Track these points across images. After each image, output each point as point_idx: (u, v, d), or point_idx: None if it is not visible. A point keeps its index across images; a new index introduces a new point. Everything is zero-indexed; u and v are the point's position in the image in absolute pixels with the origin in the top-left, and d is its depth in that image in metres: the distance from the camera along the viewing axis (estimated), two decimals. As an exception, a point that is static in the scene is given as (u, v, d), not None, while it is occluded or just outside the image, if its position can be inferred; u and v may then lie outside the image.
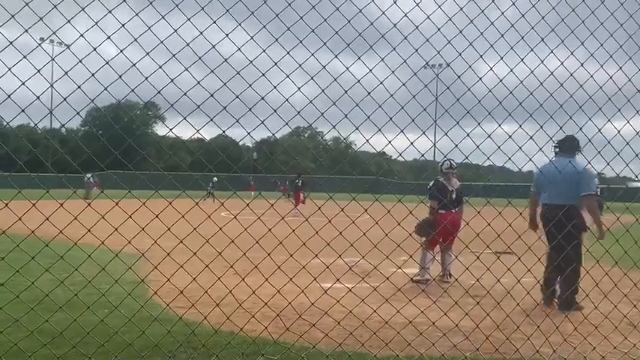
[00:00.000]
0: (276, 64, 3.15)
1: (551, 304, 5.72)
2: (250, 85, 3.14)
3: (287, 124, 3.42)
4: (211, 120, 3.22)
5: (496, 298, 4.19)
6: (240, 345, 3.66)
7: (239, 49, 3.08)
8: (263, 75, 3.15)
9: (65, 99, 2.98)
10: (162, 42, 2.99)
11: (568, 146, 6.12)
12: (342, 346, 3.62)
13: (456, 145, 3.51)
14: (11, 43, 2.88)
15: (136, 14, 2.95)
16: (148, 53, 3.04)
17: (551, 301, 5.82)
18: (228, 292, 3.51)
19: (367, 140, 3.43)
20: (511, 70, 3.41)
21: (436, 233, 7.13)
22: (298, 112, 3.37)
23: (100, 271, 3.31)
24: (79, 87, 2.95)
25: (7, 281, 3.47)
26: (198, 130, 3.17)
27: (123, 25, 2.94)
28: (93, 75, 2.96)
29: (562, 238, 4.69)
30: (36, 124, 3.36)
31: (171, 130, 3.22)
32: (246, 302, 4.12)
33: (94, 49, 2.97)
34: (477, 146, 3.44)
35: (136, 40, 2.98)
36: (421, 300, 4.47)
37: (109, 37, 2.98)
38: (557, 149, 6.21)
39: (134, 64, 3.04)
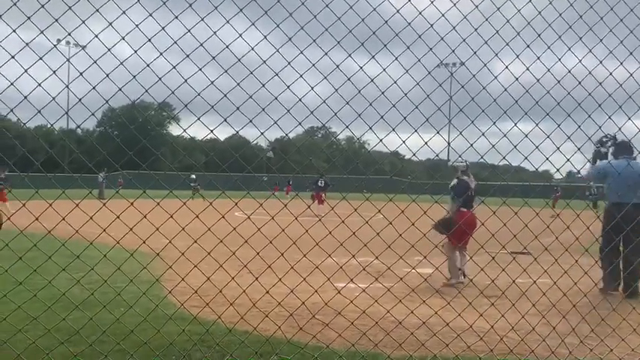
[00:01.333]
0: (289, 63, 3.15)
1: (615, 290, 6.23)
2: (263, 85, 3.14)
3: (300, 124, 3.42)
4: (224, 120, 3.23)
5: (512, 298, 4.14)
6: (254, 344, 3.67)
7: (252, 48, 3.08)
8: (276, 75, 3.15)
9: (80, 100, 3.00)
10: (175, 42, 3.00)
11: (624, 148, 6.58)
12: (355, 346, 3.60)
13: (471, 145, 3.47)
14: (27, 44, 2.91)
15: (150, 14, 2.96)
16: (161, 54, 3.06)
17: (615, 288, 6.34)
18: (242, 292, 3.52)
19: (380, 140, 3.42)
20: (527, 69, 3.36)
21: (456, 231, 7.06)
22: (311, 112, 3.36)
23: (116, 271, 3.34)
24: (93, 87, 2.98)
25: (25, 280, 3.52)
26: (212, 131, 3.18)
27: (137, 26, 2.95)
28: (107, 76, 2.98)
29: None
30: (52, 125, 3.40)
31: (185, 130, 3.25)
32: (260, 301, 4.12)
33: (108, 50, 2.99)
34: (492, 145, 3.40)
35: (149, 40, 2.99)
36: (435, 300, 4.44)
37: (122, 38, 3.00)
38: (613, 152, 6.68)
39: (148, 65, 3.05)
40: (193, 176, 32.71)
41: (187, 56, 3.08)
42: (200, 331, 3.77)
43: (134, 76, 3.04)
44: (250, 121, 3.23)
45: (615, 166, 6.35)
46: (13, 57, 2.86)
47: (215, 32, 3.02)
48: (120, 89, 3.05)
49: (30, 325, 3.26)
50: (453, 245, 7.35)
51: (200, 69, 3.12)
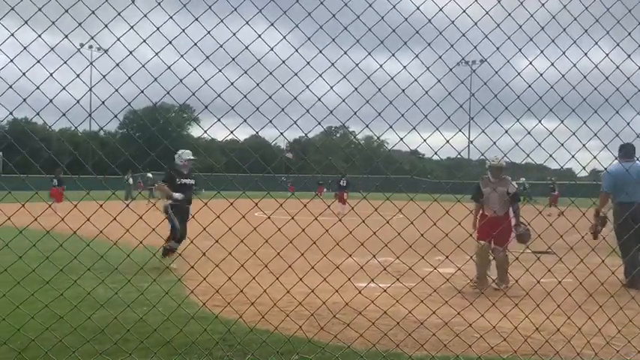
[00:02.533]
0: (308, 63, 3.15)
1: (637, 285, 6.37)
2: (283, 86, 3.15)
3: (319, 123, 3.42)
4: (245, 121, 3.24)
5: (536, 299, 4.07)
6: (275, 343, 3.68)
7: (271, 49, 3.09)
8: (295, 75, 3.15)
9: (103, 102, 3.05)
10: (195, 44, 3.03)
11: (628, 151, 6.77)
12: (376, 347, 3.59)
13: (494, 143, 3.43)
14: (52, 49, 2.97)
15: (170, 17, 2.99)
16: (182, 56, 3.09)
17: (636, 281, 6.47)
18: (262, 292, 3.54)
19: (401, 139, 3.39)
20: (552, 64, 3.29)
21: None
22: (331, 112, 3.36)
23: (139, 270, 3.39)
24: (116, 90, 3.02)
25: (52, 279, 3.60)
26: (232, 132, 3.20)
27: (158, 29, 2.99)
28: (129, 78, 3.03)
29: None
30: (76, 127, 3.46)
31: (205, 131, 3.26)
32: (281, 301, 4.14)
33: (130, 53, 3.03)
34: (516, 143, 3.35)
35: (170, 42, 3.03)
36: (457, 300, 4.39)
37: (144, 41, 3.04)
38: (621, 155, 6.77)
39: (169, 67, 3.09)
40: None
41: (207, 57, 3.10)
42: (222, 330, 3.80)
43: (155, 79, 3.08)
44: (270, 121, 3.24)
45: (618, 170, 6.53)
46: (38, 61, 2.93)
47: (234, 33, 3.04)
48: (142, 91, 3.09)
49: (57, 324, 3.32)
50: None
51: (220, 70, 3.15)
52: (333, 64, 3.18)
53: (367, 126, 3.38)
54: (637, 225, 5.29)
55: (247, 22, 3.07)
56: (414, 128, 3.36)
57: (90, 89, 3.12)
